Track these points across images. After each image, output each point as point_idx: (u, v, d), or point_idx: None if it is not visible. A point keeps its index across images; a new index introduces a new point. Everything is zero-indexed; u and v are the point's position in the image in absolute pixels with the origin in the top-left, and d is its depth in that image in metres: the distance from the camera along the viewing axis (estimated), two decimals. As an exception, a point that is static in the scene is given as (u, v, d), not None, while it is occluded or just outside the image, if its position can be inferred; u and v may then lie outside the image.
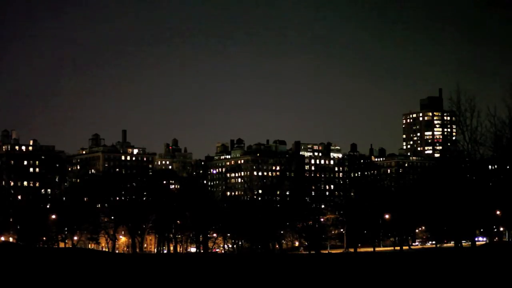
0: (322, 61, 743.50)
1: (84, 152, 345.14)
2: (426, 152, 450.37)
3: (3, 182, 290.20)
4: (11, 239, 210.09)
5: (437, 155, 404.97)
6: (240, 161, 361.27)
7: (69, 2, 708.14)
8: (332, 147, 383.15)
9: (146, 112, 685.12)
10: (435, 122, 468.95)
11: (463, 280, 64.42)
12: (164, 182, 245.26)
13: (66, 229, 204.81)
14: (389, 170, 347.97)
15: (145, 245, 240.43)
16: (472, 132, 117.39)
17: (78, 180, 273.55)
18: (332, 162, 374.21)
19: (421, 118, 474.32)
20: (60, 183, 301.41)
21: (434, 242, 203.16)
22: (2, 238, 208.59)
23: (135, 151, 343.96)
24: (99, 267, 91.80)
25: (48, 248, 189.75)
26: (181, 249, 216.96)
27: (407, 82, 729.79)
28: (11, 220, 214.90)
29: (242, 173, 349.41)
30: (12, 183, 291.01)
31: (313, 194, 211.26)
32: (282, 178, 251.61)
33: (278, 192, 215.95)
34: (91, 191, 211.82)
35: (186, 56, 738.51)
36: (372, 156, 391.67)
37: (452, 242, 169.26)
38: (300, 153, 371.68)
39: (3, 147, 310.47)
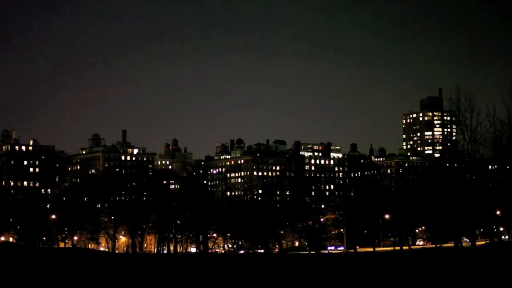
0: (322, 62, 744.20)
1: (84, 152, 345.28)
2: (426, 152, 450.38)
3: (3, 182, 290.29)
4: (11, 239, 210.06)
5: (437, 155, 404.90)
6: (240, 161, 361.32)
7: (68, 2, 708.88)
8: (332, 147, 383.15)
9: (146, 112, 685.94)
10: (435, 122, 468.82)
11: (463, 280, 64.40)
12: (164, 182, 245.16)
13: (66, 229, 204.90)
14: (389, 170, 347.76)
15: (145, 245, 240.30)
16: (472, 132, 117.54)
17: (78, 180, 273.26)
18: (332, 162, 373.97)
19: (421, 118, 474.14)
20: (60, 183, 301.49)
21: (433, 242, 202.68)
22: (2, 238, 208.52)
23: (135, 151, 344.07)
24: (99, 267, 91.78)
25: (48, 248, 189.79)
26: (181, 249, 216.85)
27: (407, 82, 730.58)
28: (11, 220, 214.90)
29: (242, 173, 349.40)
30: (12, 183, 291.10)
31: (313, 194, 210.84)
32: (282, 178, 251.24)
33: (278, 192, 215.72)
34: (91, 191, 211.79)
35: (185, 56, 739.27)
36: (372, 156, 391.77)
37: (451, 242, 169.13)
38: (300, 153, 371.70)
39: (3, 147, 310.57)
